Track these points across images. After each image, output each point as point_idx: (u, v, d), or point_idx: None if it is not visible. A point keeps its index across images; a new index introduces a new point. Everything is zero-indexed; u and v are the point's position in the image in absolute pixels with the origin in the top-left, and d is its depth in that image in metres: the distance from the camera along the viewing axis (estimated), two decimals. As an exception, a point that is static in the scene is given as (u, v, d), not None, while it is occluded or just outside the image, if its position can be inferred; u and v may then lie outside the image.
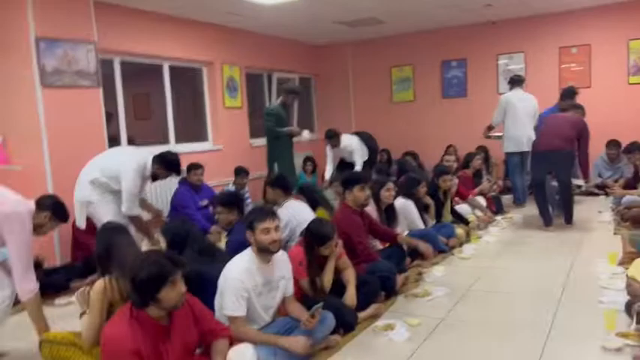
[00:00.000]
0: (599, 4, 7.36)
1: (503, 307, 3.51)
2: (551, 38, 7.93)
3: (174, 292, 2.23)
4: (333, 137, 6.83)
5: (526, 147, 6.54)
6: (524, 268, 4.38)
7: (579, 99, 7.55)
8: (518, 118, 6.62)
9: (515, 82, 6.85)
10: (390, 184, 4.49)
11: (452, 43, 8.61)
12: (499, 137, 6.96)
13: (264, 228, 2.75)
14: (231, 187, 6.50)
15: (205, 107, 7.41)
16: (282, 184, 4.50)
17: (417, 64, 8.96)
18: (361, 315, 3.29)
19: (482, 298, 3.72)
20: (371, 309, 3.38)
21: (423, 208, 5.02)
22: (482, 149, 7.42)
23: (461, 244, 5.03)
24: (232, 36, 7.51)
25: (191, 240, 3.09)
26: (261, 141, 8.05)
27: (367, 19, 7.53)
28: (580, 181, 6.24)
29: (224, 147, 7.38)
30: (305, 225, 3.39)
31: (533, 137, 6.40)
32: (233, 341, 2.59)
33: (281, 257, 2.96)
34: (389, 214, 4.51)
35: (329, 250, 3.27)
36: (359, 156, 6.87)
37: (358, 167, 6.78)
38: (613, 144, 7.19)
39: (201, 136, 7.45)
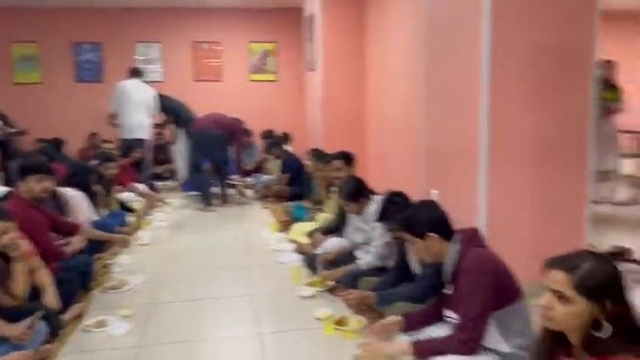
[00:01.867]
0: (227, 6, 8.21)
1: (205, 283, 3.68)
2: (185, 32, 8.39)
3: None
4: None
5: (138, 134, 6.75)
6: (204, 244, 4.66)
7: (210, 91, 8.37)
8: (132, 106, 6.72)
9: (136, 73, 6.98)
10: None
11: (85, 25, 8.10)
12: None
13: None
14: None
15: None
16: None
17: (44, 43, 8.04)
18: (66, 317, 2.91)
19: (180, 278, 3.80)
20: (76, 309, 3.03)
21: (91, 198, 4.66)
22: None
23: (134, 232, 4.93)
24: None
25: None
26: None
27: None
28: (236, 178, 6.92)
29: None
30: None
31: (147, 125, 6.82)
32: None
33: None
34: (60, 206, 4.01)
35: None
36: None
37: None
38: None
39: None
